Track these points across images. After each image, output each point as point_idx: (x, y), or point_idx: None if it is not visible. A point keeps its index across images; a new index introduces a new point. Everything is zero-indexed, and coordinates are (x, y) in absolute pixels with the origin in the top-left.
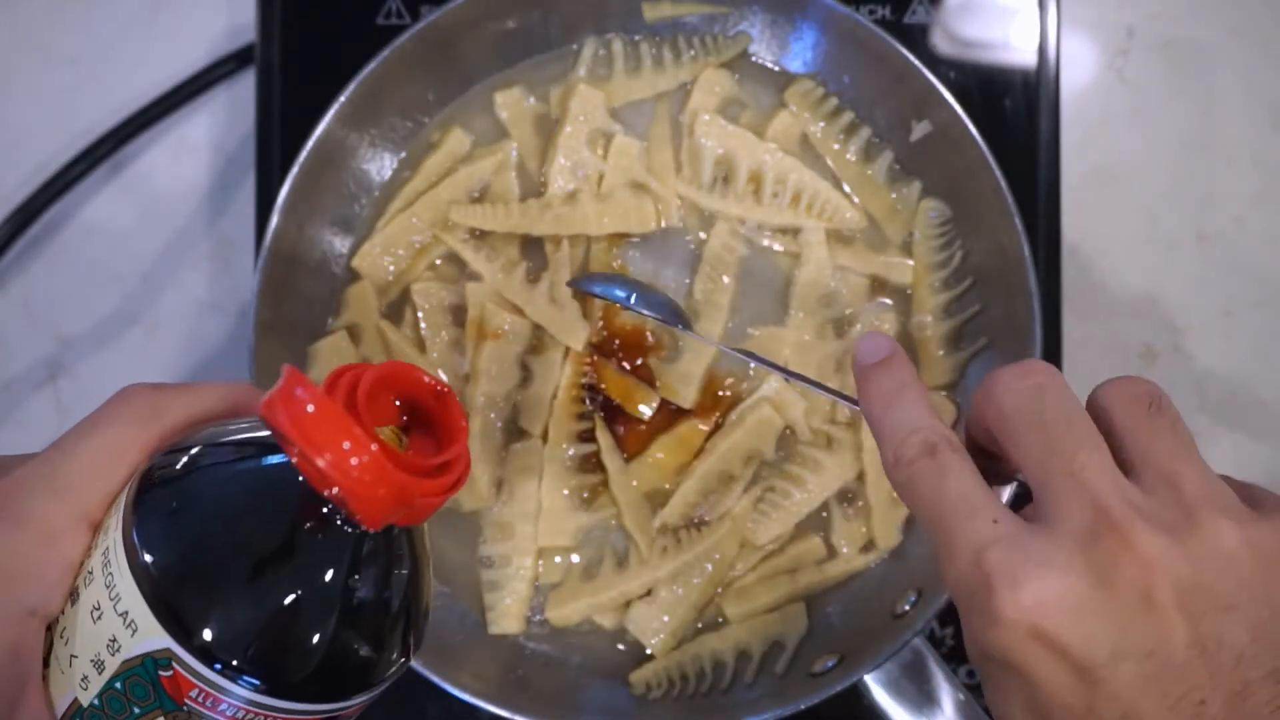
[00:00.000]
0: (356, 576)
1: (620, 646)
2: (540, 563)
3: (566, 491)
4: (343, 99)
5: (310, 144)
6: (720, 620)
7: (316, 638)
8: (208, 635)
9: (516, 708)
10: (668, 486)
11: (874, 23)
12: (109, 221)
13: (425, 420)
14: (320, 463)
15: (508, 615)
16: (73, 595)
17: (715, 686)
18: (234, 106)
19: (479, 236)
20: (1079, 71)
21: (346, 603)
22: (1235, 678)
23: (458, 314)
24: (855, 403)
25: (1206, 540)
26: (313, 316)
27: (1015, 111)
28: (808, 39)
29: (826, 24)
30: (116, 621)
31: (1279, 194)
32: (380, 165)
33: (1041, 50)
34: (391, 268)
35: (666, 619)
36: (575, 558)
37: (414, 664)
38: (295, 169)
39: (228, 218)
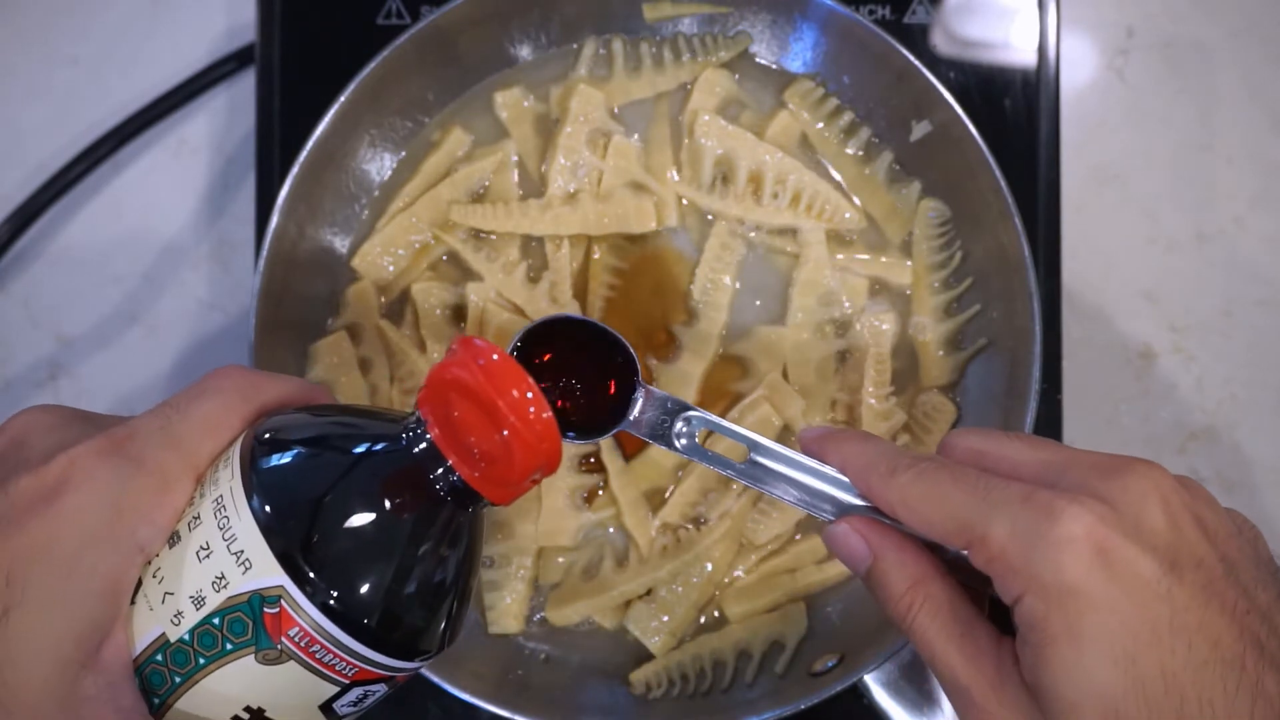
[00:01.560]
0: (453, 547)
1: (620, 646)
2: (540, 563)
3: (566, 491)
4: (343, 99)
5: (310, 144)
6: (720, 620)
7: (414, 596)
8: (321, 578)
9: (516, 708)
10: (667, 486)
11: (874, 23)
12: (109, 221)
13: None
14: (503, 406)
15: (507, 615)
16: (173, 538)
17: (715, 686)
18: (234, 106)
19: (479, 236)
20: (1079, 71)
21: (443, 570)
22: (1253, 580)
23: (458, 314)
24: (823, 474)
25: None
26: (313, 316)
27: (1015, 111)
28: (808, 39)
29: (826, 24)
30: (229, 560)
31: (1279, 194)
32: (380, 165)
33: (1041, 50)
34: (391, 267)
35: (666, 618)
36: (575, 558)
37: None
38: (295, 169)
39: (228, 218)
